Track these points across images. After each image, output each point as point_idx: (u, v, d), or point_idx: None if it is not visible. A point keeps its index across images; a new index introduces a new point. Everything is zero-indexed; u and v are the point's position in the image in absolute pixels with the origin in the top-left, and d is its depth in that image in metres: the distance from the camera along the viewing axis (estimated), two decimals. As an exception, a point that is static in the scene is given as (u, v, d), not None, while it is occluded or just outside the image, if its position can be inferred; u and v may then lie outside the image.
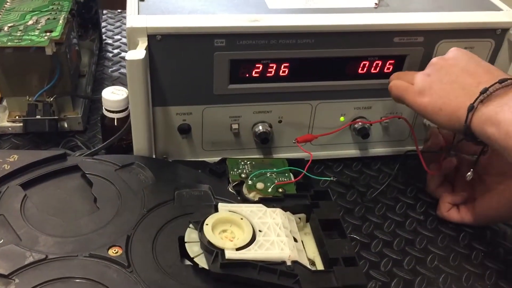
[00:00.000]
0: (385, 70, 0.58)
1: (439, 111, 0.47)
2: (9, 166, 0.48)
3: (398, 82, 0.52)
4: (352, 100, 0.60)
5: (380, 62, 0.57)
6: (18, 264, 0.40)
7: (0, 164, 0.48)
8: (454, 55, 0.49)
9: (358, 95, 0.60)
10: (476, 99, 0.44)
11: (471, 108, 0.44)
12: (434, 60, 0.50)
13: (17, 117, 0.64)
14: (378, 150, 0.65)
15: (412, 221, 0.57)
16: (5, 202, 0.46)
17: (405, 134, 0.64)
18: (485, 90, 0.44)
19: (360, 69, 0.57)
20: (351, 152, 0.64)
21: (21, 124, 0.63)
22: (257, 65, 0.55)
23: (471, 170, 0.52)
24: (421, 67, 0.58)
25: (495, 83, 0.44)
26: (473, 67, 0.47)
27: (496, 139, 0.43)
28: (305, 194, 0.50)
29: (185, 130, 0.57)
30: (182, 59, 0.53)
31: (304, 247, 0.46)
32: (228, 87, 0.56)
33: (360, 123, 0.61)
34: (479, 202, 0.54)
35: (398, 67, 0.58)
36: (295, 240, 0.45)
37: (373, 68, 0.58)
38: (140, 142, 0.54)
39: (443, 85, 0.47)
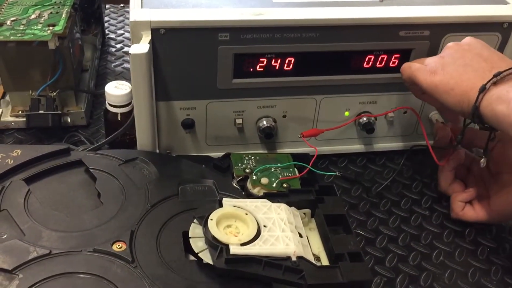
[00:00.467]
0: (391, 64, 0.57)
1: (450, 91, 0.47)
2: (12, 161, 0.48)
3: (410, 62, 0.52)
4: (357, 95, 0.59)
5: (385, 56, 0.57)
6: (22, 259, 0.40)
7: (3, 159, 0.48)
8: (469, 42, 0.50)
9: (363, 90, 0.59)
10: (489, 81, 0.44)
11: (483, 89, 0.44)
12: (449, 44, 0.51)
13: (20, 112, 0.63)
14: (383, 145, 0.64)
15: (417, 216, 0.57)
16: (8, 197, 0.45)
17: (410, 129, 0.64)
18: (499, 73, 0.44)
19: (365, 63, 0.57)
20: (356, 147, 0.64)
21: (24, 119, 0.62)
22: (261, 59, 0.54)
23: (484, 157, 0.51)
24: (427, 61, 0.57)
25: (510, 69, 0.44)
26: (487, 53, 0.48)
27: (504, 116, 0.42)
28: (310, 189, 0.49)
29: (188, 125, 0.57)
30: (185, 53, 0.52)
31: (309, 243, 0.46)
32: (232, 81, 0.55)
33: (365, 118, 0.60)
34: (494, 199, 0.53)
35: (403, 61, 0.57)
36: (300, 235, 0.45)
37: (378, 62, 0.57)
38: (143, 136, 0.54)
39: (456, 67, 0.47)
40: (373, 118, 0.60)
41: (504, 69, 0.44)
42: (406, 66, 0.52)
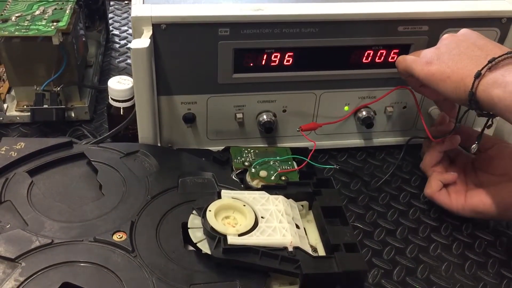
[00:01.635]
0: (390, 60, 0.58)
1: (446, 79, 0.47)
2: (16, 153, 0.49)
3: (405, 55, 0.53)
4: (357, 90, 0.60)
5: (384, 52, 0.57)
6: (24, 248, 0.41)
7: (7, 151, 0.49)
8: (464, 33, 0.50)
9: (363, 85, 0.60)
10: (484, 67, 0.45)
11: (478, 75, 0.44)
12: (445, 35, 0.51)
13: (25, 107, 0.65)
14: (383, 139, 0.65)
15: (415, 210, 0.57)
16: (12, 188, 0.46)
17: (409, 124, 0.64)
18: (493, 59, 0.45)
19: (364, 58, 0.57)
20: (356, 141, 0.64)
21: (29, 113, 0.63)
22: (261, 54, 0.55)
23: (476, 142, 0.51)
24: (426, 56, 0.58)
25: (504, 54, 0.45)
26: (482, 42, 0.48)
27: (501, 99, 0.43)
28: (308, 181, 0.50)
29: (189, 119, 0.58)
30: (186, 48, 0.53)
31: (306, 234, 0.47)
32: (233, 76, 0.56)
33: (364, 112, 0.61)
34: (471, 194, 0.53)
35: (402, 56, 0.58)
36: (297, 227, 0.45)
37: (377, 58, 0.58)
38: (145, 130, 0.55)
39: (451, 56, 0.48)
40: (372, 113, 0.61)
41: (498, 55, 0.45)
42: (400, 58, 0.53)
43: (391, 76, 0.59)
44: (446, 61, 0.47)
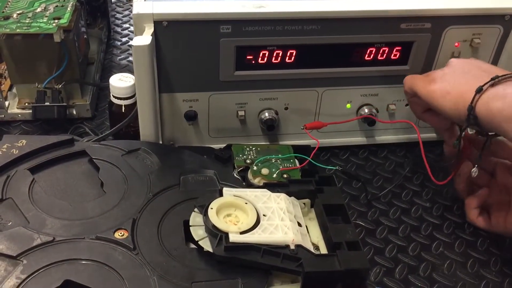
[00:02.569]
0: (392, 57, 0.58)
1: (446, 95, 0.47)
2: (17, 151, 0.49)
3: (413, 74, 0.54)
4: (359, 87, 0.60)
5: (386, 49, 0.57)
6: (26, 246, 0.41)
7: (9, 148, 0.49)
8: (470, 59, 0.53)
9: (365, 82, 0.59)
10: (487, 83, 0.45)
11: (480, 90, 0.45)
12: (452, 59, 0.52)
13: (26, 104, 0.65)
14: (385, 137, 0.64)
15: (417, 208, 0.57)
16: (13, 186, 0.46)
17: (412, 121, 0.64)
18: (497, 77, 0.45)
19: (366, 55, 0.57)
20: (358, 139, 0.64)
21: (31, 111, 0.63)
22: (263, 52, 0.55)
23: (476, 166, 0.50)
24: (428, 53, 0.58)
25: (508, 74, 0.45)
26: (486, 66, 0.49)
27: (500, 110, 0.43)
28: (310, 179, 0.50)
29: (191, 116, 0.58)
30: (188, 46, 0.53)
31: (308, 232, 0.47)
32: (234, 73, 0.56)
33: (366, 110, 0.60)
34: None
35: (405, 54, 0.58)
36: (299, 224, 0.45)
37: (379, 55, 0.57)
38: (146, 128, 0.55)
39: (455, 75, 0.49)
40: (374, 111, 0.61)
41: (502, 74, 0.45)
42: (408, 76, 0.53)
43: (394, 73, 0.58)
44: (449, 80, 0.48)
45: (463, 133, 0.49)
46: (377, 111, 0.61)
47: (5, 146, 0.49)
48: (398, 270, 0.50)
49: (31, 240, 0.42)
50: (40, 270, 0.40)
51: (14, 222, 0.43)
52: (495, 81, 0.45)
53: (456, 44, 0.58)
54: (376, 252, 0.52)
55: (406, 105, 0.62)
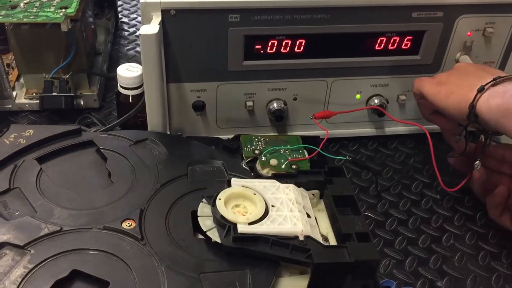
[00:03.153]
0: (403, 47, 0.57)
1: (450, 95, 0.49)
2: (24, 141, 0.49)
3: (422, 77, 0.54)
4: (369, 77, 0.59)
5: (397, 38, 0.56)
6: (33, 236, 0.41)
7: (16, 138, 0.49)
8: (477, 63, 0.55)
9: (375, 72, 0.59)
10: (489, 82, 0.46)
11: (481, 89, 0.46)
12: (458, 63, 0.55)
13: (34, 94, 0.64)
14: (395, 129, 0.64)
15: (428, 199, 0.57)
16: (21, 176, 0.46)
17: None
18: (499, 77, 0.46)
19: (377, 45, 0.56)
20: (367, 130, 0.63)
21: (38, 101, 0.63)
22: (271, 41, 0.54)
23: (478, 160, 0.50)
24: (440, 43, 0.57)
25: (509, 76, 0.46)
26: (491, 69, 0.51)
27: (498, 106, 0.44)
28: (319, 170, 0.49)
29: (199, 107, 0.57)
30: (196, 35, 0.52)
31: (317, 223, 0.46)
32: (243, 63, 0.55)
33: (376, 100, 0.60)
34: None
35: (416, 44, 0.57)
36: (308, 216, 0.45)
37: (390, 44, 0.56)
38: (154, 118, 0.54)
39: (460, 76, 0.50)
40: (384, 101, 0.60)
41: (504, 75, 0.46)
42: (417, 79, 0.54)
43: (404, 63, 0.58)
44: (454, 81, 0.50)
45: (465, 129, 0.50)
46: (387, 102, 0.60)
47: (12, 136, 0.49)
48: (408, 262, 0.50)
49: (39, 229, 0.41)
50: (48, 260, 0.39)
51: (21, 212, 0.43)
52: (496, 81, 0.46)
53: (469, 33, 0.57)
54: (386, 244, 0.51)
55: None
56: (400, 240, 0.52)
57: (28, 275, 0.38)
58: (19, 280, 0.38)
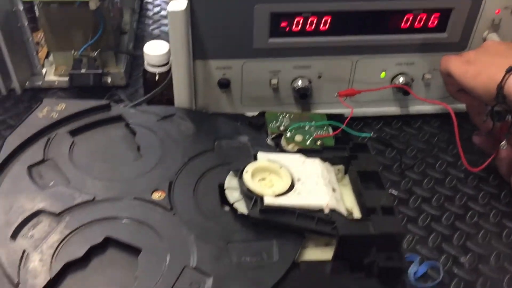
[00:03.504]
0: (430, 25, 0.56)
1: (477, 75, 0.48)
2: (57, 114, 0.50)
3: (449, 55, 0.54)
4: (394, 56, 0.59)
5: (424, 16, 0.56)
6: (68, 204, 0.42)
7: (49, 112, 0.50)
8: (506, 42, 0.54)
9: (401, 50, 0.58)
10: None
11: (510, 70, 0.45)
12: (487, 41, 0.54)
13: (63, 72, 0.66)
14: (419, 107, 0.63)
15: (452, 178, 0.57)
16: (54, 148, 0.48)
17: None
18: None
19: (403, 22, 0.56)
20: (392, 109, 0.63)
21: (67, 78, 0.65)
22: (297, 19, 0.54)
23: (504, 140, 0.50)
24: (468, 21, 0.56)
25: None
26: None
27: None
28: (344, 146, 0.49)
29: (224, 84, 0.58)
30: (222, 12, 0.53)
31: (342, 198, 0.47)
32: (268, 41, 0.56)
33: (401, 79, 0.60)
34: None
35: (443, 21, 0.56)
36: (334, 190, 0.45)
37: (417, 22, 0.56)
38: (181, 94, 0.55)
39: (488, 56, 0.50)
40: (409, 80, 0.60)
41: None
42: (444, 57, 0.54)
43: (431, 41, 0.57)
44: (481, 60, 0.49)
45: (492, 110, 0.49)
46: (412, 80, 0.60)
47: (45, 110, 0.50)
48: (431, 238, 0.50)
49: (73, 198, 0.43)
50: (82, 227, 0.41)
51: (56, 182, 0.45)
52: None
53: (497, 11, 0.56)
54: (409, 220, 0.52)
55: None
56: (423, 217, 0.52)
57: (64, 241, 0.40)
58: (56, 245, 0.39)
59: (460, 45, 0.58)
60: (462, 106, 0.58)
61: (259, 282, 0.38)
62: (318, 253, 0.42)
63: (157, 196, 0.44)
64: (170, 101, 0.63)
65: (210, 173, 0.47)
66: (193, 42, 0.54)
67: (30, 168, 0.45)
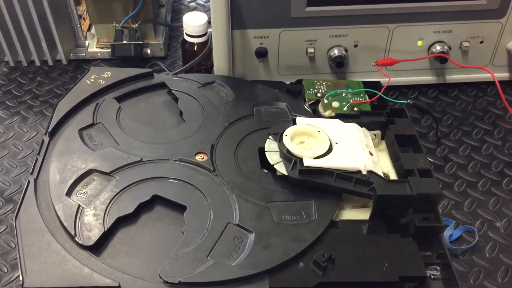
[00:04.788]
0: (469, -9, 0.56)
1: None
2: (104, 81, 0.52)
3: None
4: (432, 23, 0.59)
5: (463, -18, 0.55)
6: (117, 164, 0.45)
7: (96, 79, 0.53)
8: None
9: (438, 18, 0.58)
10: None
11: None
12: None
13: (104, 43, 0.68)
14: (456, 76, 0.63)
15: (488, 146, 0.57)
16: (102, 112, 0.50)
17: (485, 60, 0.62)
18: None
19: (441, -11, 0.56)
20: (428, 78, 0.63)
21: (109, 50, 0.67)
22: (335, -14, 0.55)
23: None
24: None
25: None
26: None
27: None
28: (381, 111, 0.50)
29: (262, 53, 0.59)
30: (261, -20, 0.54)
31: (379, 162, 0.48)
32: (305, 9, 0.56)
33: (438, 47, 0.59)
34: None
35: (483, -13, 0.56)
36: (371, 153, 0.46)
37: (455, -12, 0.56)
38: (220, 62, 0.57)
39: None
40: (447, 48, 0.60)
41: None
42: None
43: (469, 8, 0.57)
44: None
45: None
46: (450, 49, 0.60)
47: (93, 77, 0.53)
48: (467, 203, 0.51)
49: (121, 159, 0.45)
50: (131, 185, 0.43)
51: (105, 144, 0.47)
52: None
53: (539, -24, 0.55)
54: (445, 186, 0.52)
55: (481, 42, 0.60)
56: (459, 183, 0.53)
57: (115, 198, 0.42)
58: (108, 201, 0.42)
59: (499, 12, 0.58)
60: (501, 74, 0.57)
61: (299, 239, 0.40)
62: (355, 215, 0.44)
63: (200, 158, 0.46)
64: (207, 70, 0.65)
65: (249, 137, 0.49)
66: (231, 12, 0.55)
67: (81, 131, 0.48)
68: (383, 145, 0.50)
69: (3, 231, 0.48)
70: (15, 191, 0.52)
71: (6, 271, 0.45)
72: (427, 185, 0.42)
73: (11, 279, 0.44)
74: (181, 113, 0.51)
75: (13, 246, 0.47)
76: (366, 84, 0.56)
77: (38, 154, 0.46)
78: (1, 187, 0.52)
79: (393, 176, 0.47)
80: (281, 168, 0.45)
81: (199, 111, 0.51)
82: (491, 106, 0.61)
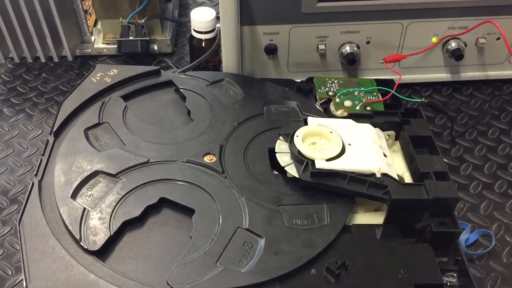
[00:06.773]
0: (485, -14, 0.54)
1: None
2: (110, 79, 0.51)
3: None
4: (446, 19, 0.57)
5: (481, -24, 0.53)
6: (123, 165, 0.44)
7: (102, 77, 0.51)
8: None
9: (453, 14, 0.56)
10: None
11: None
12: None
13: (111, 39, 0.67)
14: (471, 74, 0.61)
15: (505, 146, 0.55)
16: (108, 111, 0.49)
17: (501, 58, 0.60)
18: None
19: (458, -16, 0.54)
20: (442, 75, 0.62)
21: (115, 46, 0.66)
22: (347, -19, 0.53)
23: None
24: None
25: None
26: None
27: None
28: (395, 111, 0.49)
29: (271, 50, 0.58)
30: (271, -25, 0.52)
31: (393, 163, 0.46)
32: (317, 5, 0.55)
33: (453, 44, 0.58)
34: None
35: (500, -18, 0.54)
36: (385, 155, 0.45)
37: (472, -17, 0.54)
38: (229, 59, 0.55)
39: None
40: (462, 45, 0.58)
41: None
42: None
43: (485, 4, 0.55)
44: None
45: None
46: (465, 45, 0.58)
47: (98, 75, 0.51)
48: (483, 206, 0.49)
49: (128, 160, 0.44)
50: (138, 188, 0.42)
51: (111, 144, 0.46)
52: None
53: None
54: (460, 188, 0.51)
55: (498, 39, 0.58)
56: (475, 184, 0.51)
57: (122, 200, 0.41)
58: (114, 204, 0.41)
59: (517, 8, 0.56)
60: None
61: (311, 244, 0.39)
62: (368, 218, 0.43)
63: (208, 159, 0.45)
64: (215, 68, 0.63)
65: (259, 138, 0.48)
66: (241, 7, 0.54)
67: (86, 130, 0.47)
68: (397, 146, 0.48)
69: (8, 232, 0.47)
70: (19, 191, 0.51)
71: (10, 273, 0.44)
72: (444, 189, 0.41)
73: (15, 282, 0.44)
74: (189, 112, 0.50)
75: (18, 248, 0.46)
76: (379, 82, 0.55)
77: (43, 154, 0.45)
78: (5, 187, 0.51)
79: (408, 178, 0.45)
80: (292, 170, 0.43)
81: (208, 110, 0.50)
82: (508, 104, 0.59)
